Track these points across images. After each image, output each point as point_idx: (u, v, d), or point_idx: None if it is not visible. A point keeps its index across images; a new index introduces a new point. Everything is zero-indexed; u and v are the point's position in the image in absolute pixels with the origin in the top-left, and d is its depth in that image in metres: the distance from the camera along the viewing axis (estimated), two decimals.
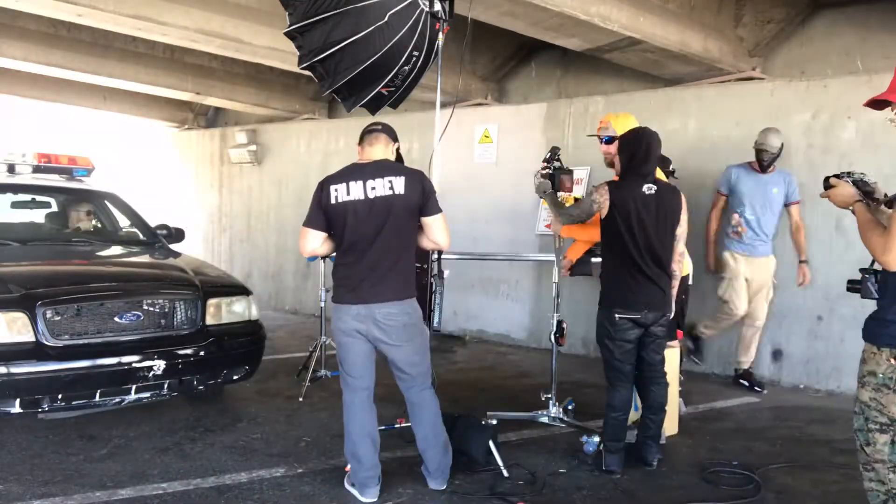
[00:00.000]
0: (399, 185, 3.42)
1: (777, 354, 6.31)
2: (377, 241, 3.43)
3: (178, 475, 3.74)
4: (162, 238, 5.74)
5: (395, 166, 3.55)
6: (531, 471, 3.92)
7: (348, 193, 3.40)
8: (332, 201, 3.41)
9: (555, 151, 4.66)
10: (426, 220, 3.52)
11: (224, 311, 4.64)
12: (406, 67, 4.02)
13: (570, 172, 4.62)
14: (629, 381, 3.98)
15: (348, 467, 3.81)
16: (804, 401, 5.79)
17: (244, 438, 4.45)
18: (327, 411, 5.09)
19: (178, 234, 5.89)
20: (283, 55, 6.70)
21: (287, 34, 4.03)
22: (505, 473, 3.83)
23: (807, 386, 6.13)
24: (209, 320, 4.53)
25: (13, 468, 3.77)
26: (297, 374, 6.02)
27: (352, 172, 3.48)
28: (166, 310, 4.37)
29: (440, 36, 4.08)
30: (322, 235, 3.50)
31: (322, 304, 5.98)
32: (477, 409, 4.83)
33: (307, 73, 4.25)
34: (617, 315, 3.87)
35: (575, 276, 5.03)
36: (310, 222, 3.48)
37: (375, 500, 3.53)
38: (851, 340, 5.90)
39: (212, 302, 4.56)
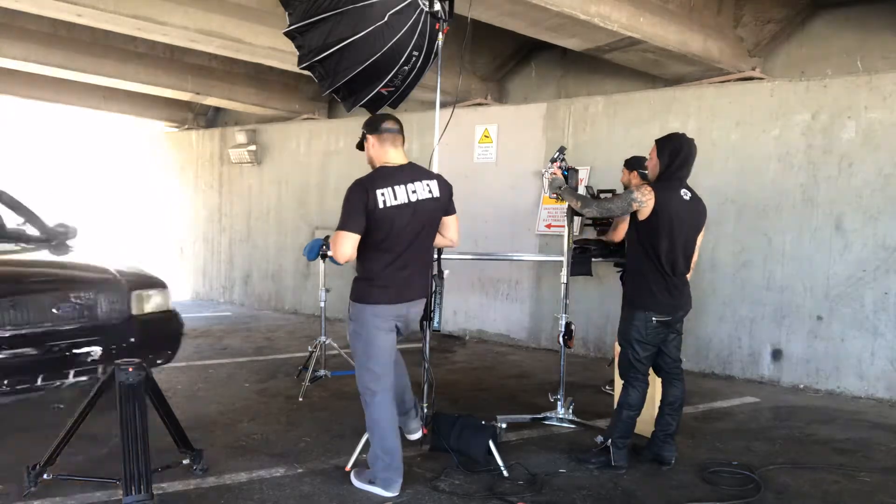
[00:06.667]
0: (435, 188, 3.56)
1: (777, 354, 6.31)
2: (415, 242, 3.52)
3: (178, 475, 3.74)
4: (60, 235, 5.76)
5: (426, 170, 3.68)
6: (531, 471, 3.91)
7: (395, 198, 3.43)
8: (381, 206, 3.38)
9: (562, 151, 4.69)
10: (447, 219, 3.70)
11: (146, 303, 4.97)
12: (406, 67, 4.02)
13: (577, 171, 4.71)
14: (646, 381, 4.02)
15: (349, 467, 3.82)
16: (804, 401, 5.79)
17: (244, 438, 4.45)
18: (327, 411, 5.10)
19: (73, 232, 5.92)
20: (283, 55, 6.71)
21: (287, 34, 4.03)
22: (505, 473, 3.83)
23: (807, 386, 6.13)
24: (134, 310, 4.83)
25: (13, 468, 3.76)
26: (297, 374, 6.02)
27: (392, 176, 3.48)
28: (98, 302, 4.66)
29: (440, 36, 4.07)
30: (358, 238, 3.42)
31: (322, 304, 5.98)
32: (477, 409, 4.83)
33: (307, 73, 4.25)
34: (654, 318, 3.90)
35: (574, 276, 5.03)
36: (353, 226, 3.37)
37: (399, 492, 3.56)
38: (851, 340, 5.91)
39: (135, 294, 4.87)
